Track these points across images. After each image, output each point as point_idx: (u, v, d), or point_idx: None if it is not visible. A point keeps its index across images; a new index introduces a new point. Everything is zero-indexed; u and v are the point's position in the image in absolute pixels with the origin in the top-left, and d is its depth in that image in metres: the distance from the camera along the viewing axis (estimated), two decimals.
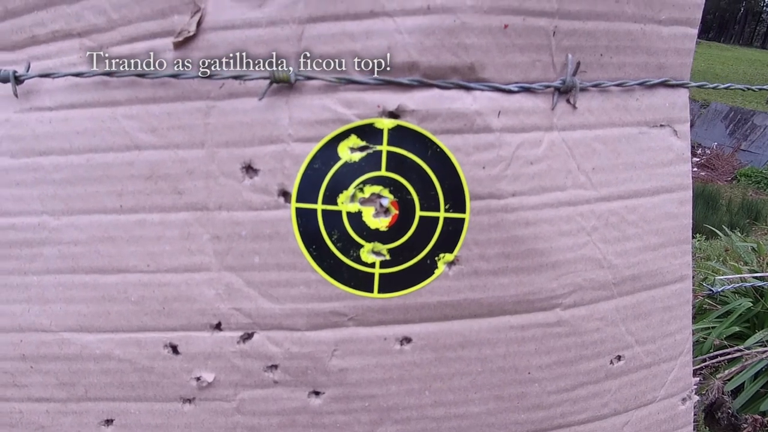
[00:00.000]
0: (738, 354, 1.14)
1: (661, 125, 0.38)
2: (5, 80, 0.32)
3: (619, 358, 0.39)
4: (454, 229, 0.34)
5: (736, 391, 1.09)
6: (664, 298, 0.40)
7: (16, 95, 0.33)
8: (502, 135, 0.33)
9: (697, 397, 0.43)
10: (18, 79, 0.33)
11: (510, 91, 0.33)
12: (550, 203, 0.34)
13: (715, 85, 0.40)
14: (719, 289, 0.84)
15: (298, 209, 0.33)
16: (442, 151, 0.32)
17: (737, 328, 1.24)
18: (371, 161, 0.32)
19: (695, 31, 0.36)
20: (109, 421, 0.37)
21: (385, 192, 0.33)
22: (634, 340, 0.39)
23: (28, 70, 0.33)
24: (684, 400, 0.43)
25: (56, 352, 0.36)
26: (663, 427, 0.42)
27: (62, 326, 0.36)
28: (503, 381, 0.36)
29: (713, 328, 1.24)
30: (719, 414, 0.83)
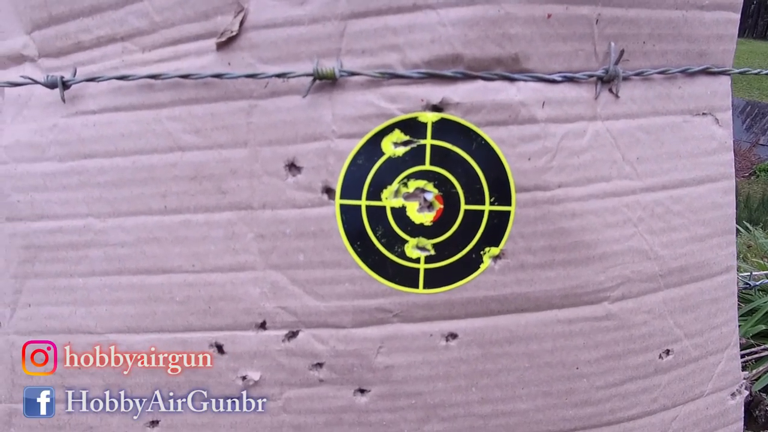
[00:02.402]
0: (765, 353, 1.11)
1: (704, 113, 0.37)
2: (53, 86, 0.33)
3: (668, 352, 0.38)
4: (499, 223, 0.33)
5: (764, 391, 1.06)
6: (711, 290, 0.39)
7: (63, 100, 0.33)
8: (547, 126, 0.32)
9: (746, 392, 0.42)
10: (65, 85, 0.33)
11: (554, 81, 0.32)
12: (596, 194, 0.34)
13: (758, 70, 0.39)
14: (757, 284, 0.83)
15: (342, 206, 0.33)
16: (486, 143, 0.32)
17: (763, 327, 1.21)
18: (415, 155, 0.32)
19: (737, 16, 0.36)
20: (155, 422, 0.37)
21: (430, 186, 0.33)
22: (682, 333, 0.38)
23: (74, 76, 0.33)
24: (733, 394, 0.42)
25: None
26: (713, 423, 0.41)
27: (108, 328, 0.36)
28: (551, 376, 0.36)
29: (738, 326, 1.21)
30: (757, 412, 0.81)
